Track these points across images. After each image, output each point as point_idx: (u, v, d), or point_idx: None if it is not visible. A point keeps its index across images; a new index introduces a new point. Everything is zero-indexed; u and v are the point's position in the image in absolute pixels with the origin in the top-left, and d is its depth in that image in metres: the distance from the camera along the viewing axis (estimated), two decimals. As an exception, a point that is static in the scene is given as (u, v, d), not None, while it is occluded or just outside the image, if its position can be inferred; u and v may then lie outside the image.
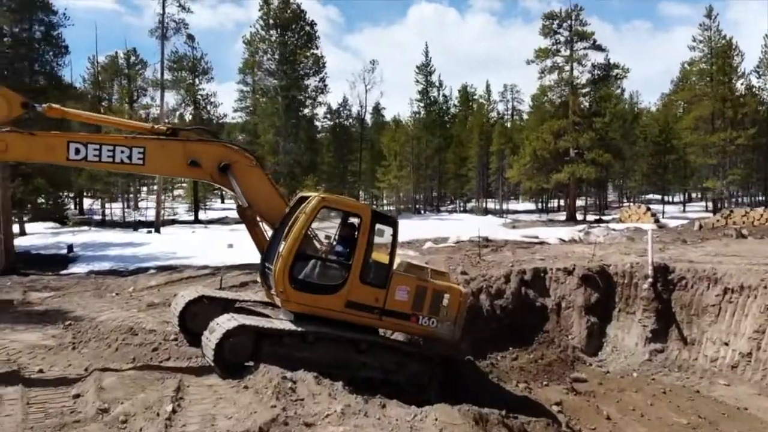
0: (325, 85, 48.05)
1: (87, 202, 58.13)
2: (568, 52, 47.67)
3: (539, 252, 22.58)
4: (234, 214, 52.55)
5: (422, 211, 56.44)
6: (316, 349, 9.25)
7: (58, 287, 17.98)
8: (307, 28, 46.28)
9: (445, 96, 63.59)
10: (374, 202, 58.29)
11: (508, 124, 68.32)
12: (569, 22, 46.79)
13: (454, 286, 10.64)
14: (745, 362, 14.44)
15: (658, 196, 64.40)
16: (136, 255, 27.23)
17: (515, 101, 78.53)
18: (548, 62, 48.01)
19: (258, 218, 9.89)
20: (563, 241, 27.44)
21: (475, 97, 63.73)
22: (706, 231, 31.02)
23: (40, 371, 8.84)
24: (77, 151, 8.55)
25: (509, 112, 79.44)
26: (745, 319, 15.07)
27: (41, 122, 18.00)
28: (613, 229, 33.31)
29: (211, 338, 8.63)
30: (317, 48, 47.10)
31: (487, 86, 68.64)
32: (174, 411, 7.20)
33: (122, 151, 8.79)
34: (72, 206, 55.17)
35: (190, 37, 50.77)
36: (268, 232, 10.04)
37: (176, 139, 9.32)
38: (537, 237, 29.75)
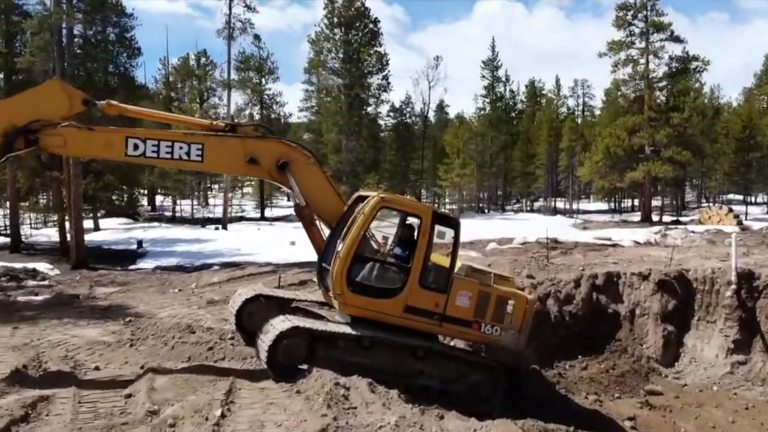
0: (388, 83, 47.94)
1: (159, 199, 60.42)
2: (643, 44, 45.30)
3: (612, 255, 21.39)
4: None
5: (486, 211, 55.27)
6: (371, 354, 8.90)
7: (124, 282, 18.47)
8: (371, 25, 46.26)
9: (512, 91, 61.97)
10: (436, 201, 57.56)
11: (579, 120, 65.88)
12: (644, 12, 44.42)
13: (519, 292, 10.12)
14: (840, 377, 13.29)
15: (740, 197, 60.56)
16: (202, 251, 27.85)
17: (586, 96, 76.12)
18: (622, 55, 45.80)
19: (315, 217, 9.59)
20: (638, 243, 26.01)
21: (544, 92, 61.57)
22: (797, 234, 28.63)
23: (96, 368, 8.88)
24: (135, 147, 8.46)
25: (580, 107, 77.10)
26: (841, 331, 13.86)
27: (113, 122, 18.50)
28: (692, 232, 31.26)
29: (264, 340, 8.41)
30: (380, 45, 47.08)
31: (557, 81, 66.63)
32: (223, 416, 6.97)
33: (180, 147, 8.66)
34: (145, 203, 57.53)
35: (257, 37, 51.85)
36: (325, 231, 9.76)
37: (234, 135, 9.14)
38: (610, 239, 28.37)
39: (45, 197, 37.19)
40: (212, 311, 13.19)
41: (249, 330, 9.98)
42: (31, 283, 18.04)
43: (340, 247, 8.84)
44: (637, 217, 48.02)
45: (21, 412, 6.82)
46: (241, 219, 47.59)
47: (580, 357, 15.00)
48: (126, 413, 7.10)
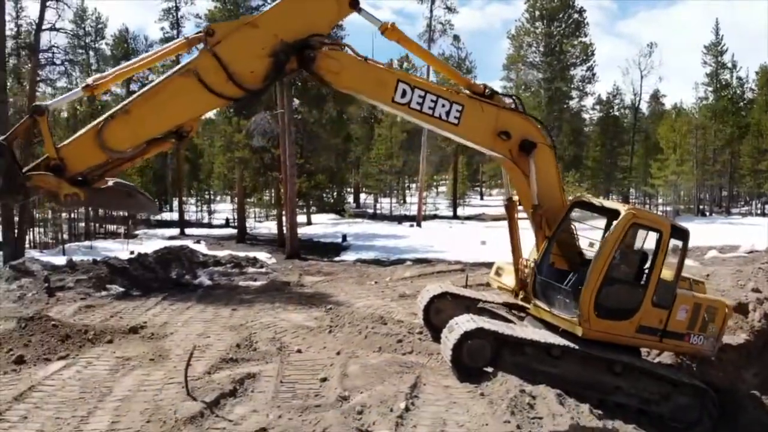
0: (593, 74, 45.19)
1: (363, 197, 64.51)
2: None
3: None
4: (492, 211, 52.83)
5: (708, 214, 49.17)
6: (561, 364, 8.44)
7: (328, 272, 19.91)
8: (576, 15, 44.20)
9: (739, 79, 53.92)
10: (647, 202, 52.66)
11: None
12: None
13: (721, 299, 9.67)
14: None
15: None
16: (398, 246, 29.03)
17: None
18: None
19: (543, 219, 8.77)
20: None
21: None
22: None
23: (299, 351, 9.62)
24: (403, 94, 7.72)
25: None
26: None
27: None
28: None
29: (449, 338, 8.40)
30: (585, 36, 44.61)
31: None
32: (407, 409, 7.15)
33: (443, 105, 7.96)
34: (351, 200, 61.88)
35: (456, 38, 52.52)
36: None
37: (492, 103, 8.41)
38: None
39: (267, 194, 41.69)
40: (403, 304, 13.59)
41: (436, 326, 10.08)
42: (251, 270, 20.28)
43: (589, 269, 8.33)
44: None
45: (230, 386, 7.71)
46: (434, 217, 48.65)
47: (815, 385, 12.69)
48: (320, 396, 7.62)
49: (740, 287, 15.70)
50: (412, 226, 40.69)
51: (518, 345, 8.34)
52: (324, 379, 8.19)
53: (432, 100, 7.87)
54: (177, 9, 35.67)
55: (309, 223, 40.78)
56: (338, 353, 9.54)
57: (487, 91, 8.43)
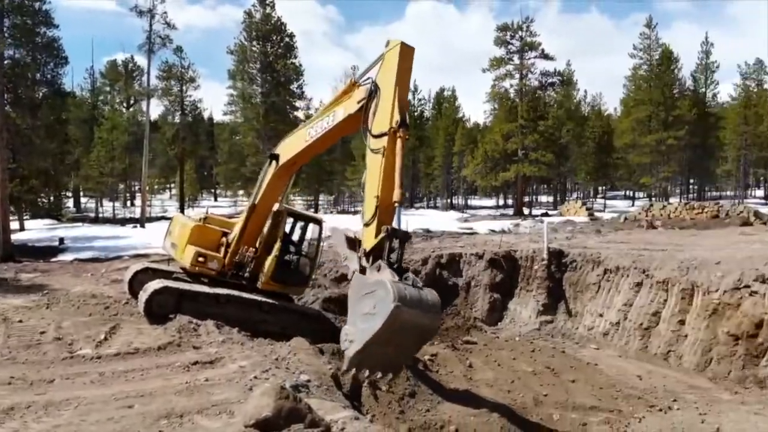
0: (302, 92, 51.07)
1: (83, 201, 61.58)
2: (519, 61, 50.53)
3: (464, 241, 25.63)
4: (218, 211, 55.55)
5: (396, 207, 59.72)
6: (226, 307, 12.38)
7: (45, 270, 21.21)
8: (287, 39, 49.38)
9: (423, 99, 66.59)
10: (353, 200, 61.22)
11: (468, 124, 69.59)
12: (520, 33, 49.82)
13: None
14: (614, 330, 17.18)
15: (622, 192, 66.46)
16: (118, 245, 30.18)
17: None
18: (502, 70, 50.81)
19: None
20: (493, 231, 30.36)
21: (451, 99, 66.28)
22: (629, 223, 34.12)
23: (20, 321, 11.98)
24: None
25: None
26: (618, 295, 17.73)
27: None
28: (541, 221, 35.70)
29: (143, 296, 11.91)
30: (296, 57, 50.19)
31: (453, 89, 71.42)
32: (105, 338, 10.46)
33: None
34: (71, 204, 58.58)
35: (179, 49, 54.32)
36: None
37: None
38: (471, 228, 32.80)
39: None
40: (114, 287, 16.28)
41: (138, 293, 12.99)
42: (-40, 272, 20.41)
43: None
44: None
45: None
46: (162, 218, 49.68)
47: (416, 319, 18.64)
48: (40, 341, 10.36)
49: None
50: (135, 227, 41.15)
51: (194, 296, 12.18)
52: (43, 332, 10.92)
53: None
54: None
55: (22, 229, 38.63)
56: (53, 321, 12.13)
57: None
